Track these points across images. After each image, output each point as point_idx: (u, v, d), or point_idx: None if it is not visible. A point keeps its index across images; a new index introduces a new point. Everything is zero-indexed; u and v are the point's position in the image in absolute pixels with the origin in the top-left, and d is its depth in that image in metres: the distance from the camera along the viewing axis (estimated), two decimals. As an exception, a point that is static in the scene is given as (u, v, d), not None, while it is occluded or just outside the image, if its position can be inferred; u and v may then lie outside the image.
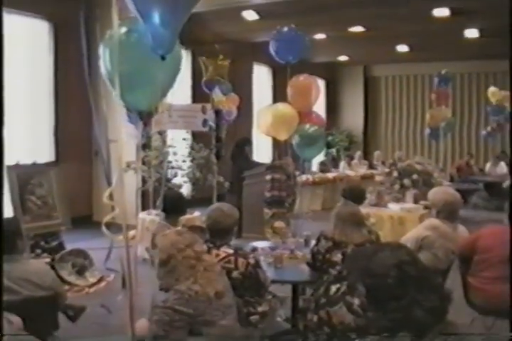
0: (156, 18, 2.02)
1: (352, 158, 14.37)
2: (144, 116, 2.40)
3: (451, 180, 12.39)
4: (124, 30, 2.25)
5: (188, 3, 2.15)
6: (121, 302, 4.19)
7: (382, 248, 2.06)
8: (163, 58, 2.12)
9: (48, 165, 8.26)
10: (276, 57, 5.68)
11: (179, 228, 3.65)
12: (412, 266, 2.00)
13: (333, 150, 16.64)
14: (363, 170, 13.56)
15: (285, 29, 5.75)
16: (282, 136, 5.54)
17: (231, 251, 3.68)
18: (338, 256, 3.85)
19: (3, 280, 3.14)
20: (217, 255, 3.62)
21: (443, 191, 4.82)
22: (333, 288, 3.83)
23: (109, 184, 3.75)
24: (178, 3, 2.10)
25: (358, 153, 14.84)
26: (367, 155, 15.71)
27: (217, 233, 3.77)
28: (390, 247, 2.06)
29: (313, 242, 4.76)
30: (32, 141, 9.06)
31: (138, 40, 2.25)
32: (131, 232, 7.00)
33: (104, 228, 2.39)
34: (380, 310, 1.97)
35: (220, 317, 2.87)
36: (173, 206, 4.99)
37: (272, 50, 5.68)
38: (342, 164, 13.84)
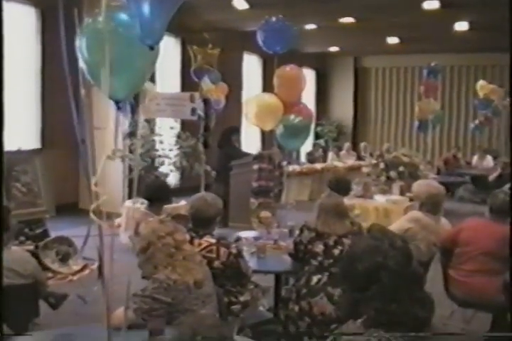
0: (145, 7, 2.00)
1: (340, 149, 14.40)
2: (121, 105, 2.39)
3: (438, 172, 12.45)
4: (101, 17, 2.24)
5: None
6: (97, 286, 4.20)
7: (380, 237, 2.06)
8: (151, 48, 2.12)
9: (33, 152, 8.20)
10: (264, 47, 5.66)
11: (163, 216, 3.64)
12: (405, 258, 2.01)
13: (322, 141, 16.64)
14: (351, 161, 13.58)
15: (273, 19, 5.72)
16: (267, 126, 5.53)
17: (213, 241, 3.69)
18: (319, 247, 3.86)
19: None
20: (199, 244, 3.63)
21: (427, 184, 4.86)
22: (315, 279, 3.88)
23: (87, 173, 3.72)
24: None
25: (347, 144, 14.87)
26: (356, 147, 15.72)
27: (200, 222, 3.78)
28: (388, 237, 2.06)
29: (297, 232, 4.79)
30: (17, 128, 9.00)
31: (115, 27, 2.24)
32: (117, 220, 7.01)
33: (92, 214, 2.38)
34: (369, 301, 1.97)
35: (200, 307, 2.88)
36: (157, 194, 4.99)
37: (259, 40, 5.66)
38: (330, 155, 13.86)
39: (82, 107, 4.39)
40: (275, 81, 5.54)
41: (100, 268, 2.67)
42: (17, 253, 3.73)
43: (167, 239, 2.89)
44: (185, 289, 2.83)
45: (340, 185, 5.23)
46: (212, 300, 3.03)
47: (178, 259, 2.88)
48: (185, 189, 8.26)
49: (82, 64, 2.39)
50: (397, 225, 4.64)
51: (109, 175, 4.94)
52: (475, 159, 13.69)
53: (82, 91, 3.08)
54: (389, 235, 2.12)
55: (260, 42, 5.65)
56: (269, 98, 5.49)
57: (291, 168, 10.74)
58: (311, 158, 13.26)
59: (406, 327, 1.92)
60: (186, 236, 3.24)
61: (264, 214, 7.10)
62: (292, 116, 5.40)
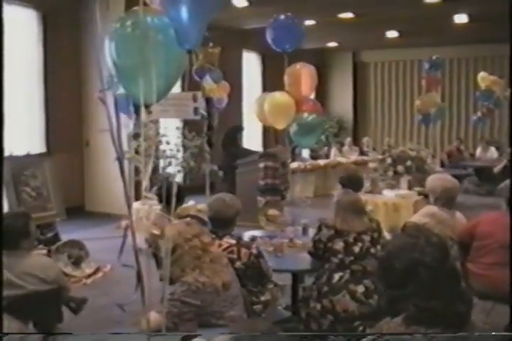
0: (184, 12, 2.00)
1: (342, 145, 14.38)
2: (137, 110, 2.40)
3: (442, 165, 12.44)
4: (130, 21, 2.23)
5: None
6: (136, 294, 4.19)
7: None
8: (189, 52, 2.12)
9: (40, 156, 8.20)
10: (273, 46, 5.63)
11: (188, 219, 3.62)
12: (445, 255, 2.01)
13: (323, 137, 16.61)
14: (354, 156, 13.57)
15: (282, 17, 5.69)
16: (280, 125, 5.52)
17: (233, 242, 3.68)
18: (339, 245, 3.86)
19: (6, 275, 3.12)
20: (219, 245, 3.62)
21: (441, 178, 4.83)
22: (336, 277, 3.88)
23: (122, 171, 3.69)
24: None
25: (349, 140, 14.85)
26: (357, 142, 15.71)
27: (219, 223, 3.77)
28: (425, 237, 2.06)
29: (311, 230, 4.78)
30: (24, 132, 8.98)
31: (143, 32, 2.23)
32: (124, 222, 7.00)
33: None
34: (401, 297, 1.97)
35: (228, 308, 2.87)
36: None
37: (268, 38, 5.63)
38: (333, 151, 13.85)
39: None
40: (286, 79, 5.53)
41: (139, 273, 2.64)
42: (39, 258, 3.72)
43: (194, 241, 2.88)
44: (213, 291, 2.83)
45: (353, 182, 5.20)
46: (239, 302, 3.02)
47: (205, 261, 2.87)
48: (190, 189, 8.24)
49: (111, 68, 2.38)
50: (412, 220, 4.63)
51: (116, 177, 4.95)
52: (478, 151, 13.68)
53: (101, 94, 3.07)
54: (424, 232, 2.12)
55: (269, 41, 5.62)
56: (281, 96, 5.47)
57: (295, 164, 10.73)
58: (314, 154, 13.24)
59: (447, 323, 1.92)
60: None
61: (272, 212, 7.10)
62: (306, 114, 5.39)
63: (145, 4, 2.13)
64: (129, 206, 2.34)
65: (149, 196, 6.91)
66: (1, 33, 2.29)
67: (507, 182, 5.35)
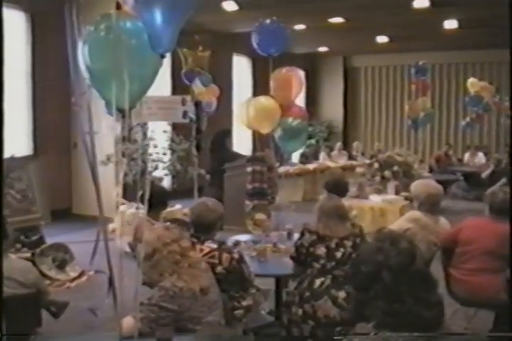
0: (157, 16, 1.99)
1: (332, 149, 14.40)
2: (124, 113, 2.38)
3: (431, 170, 12.48)
4: (103, 25, 2.21)
5: (190, 1, 2.12)
6: (108, 298, 4.16)
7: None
8: (162, 57, 2.11)
9: (26, 158, 8.15)
10: (259, 50, 5.63)
11: (167, 223, 3.61)
12: (414, 259, 2.01)
13: (313, 141, 16.65)
14: (343, 161, 13.59)
15: (267, 21, 5.70)
16: (265, 130, 5.51)
17: (215, 246, 3.67)
18: (321, 250, 3.85)
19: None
20: (201, 250, 3.61)
21: (425, 183, 4.85)
22: (318, 282, 3.87)
23: (94, 177, 3.66)
24: (180, 1, 2.07)
25: (338, 144, 14.87)
26: (346, 146, 15.74)
27: (201, 228, 3.76)
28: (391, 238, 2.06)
29: (295, 235, 4.76)
30: (10, 134, 8.93)
31: (118, 36, 2.22)
32: (111, 225, 6.98)
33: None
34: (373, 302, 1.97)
35: (206, 313, 2.86)
36: (155, 200, 4.94)
37: (254, 42, 5.63)
38: (322, 155, 13.86)
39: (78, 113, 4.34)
40: (272, 83, 5.53)
41: (110, 277, 2.63)
42: (18, 262, 3.70)
43: (173, 246, 2.86)
44: (191, 296, 2.81)
45: (338, 187, 5.20)
46: (218, 307, 3.01)
47: (183, 266, 2.86)
48: (178, 192, 8.23)
49: (84, 72, 2.37)
50: (396, 225, 4.63)
51: (104, 180, 4.93)
52: (467, 156, 13.75)
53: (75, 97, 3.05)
54: (392, 235, 2.12)
55: (255, 45, 5.62)
56: (266, 101, 5.47)
57: (283, 169, 10.73)
58: (303, 159, 13.25)
59: (412, 327, 1.91)
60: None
61: (260, 216, 7.09)
62: (290, 119, 5.39)
63: (120, 8, 2.12)
64: (101, 211, 2.32)
65: (124, 202, 6.88)
66: (0, 34, 2.28)
67: (494, 187, 5.38)
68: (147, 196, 2.82)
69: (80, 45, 2.36)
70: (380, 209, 7.90)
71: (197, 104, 8.56)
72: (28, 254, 6.06)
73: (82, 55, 2.34)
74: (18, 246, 6.30)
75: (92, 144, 2.82)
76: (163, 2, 2.00)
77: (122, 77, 2.10)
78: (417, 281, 1.98)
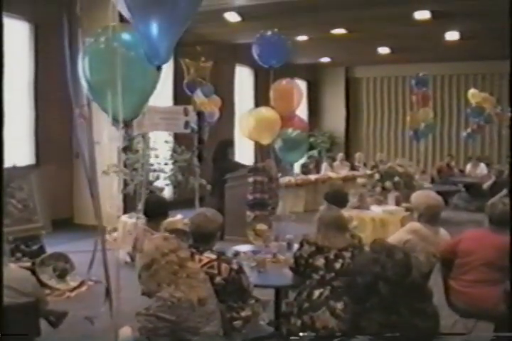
0: (154, 28, 2.00)
1: (334, 160, 14.40)
2: (126, 123, 2.39)
3: (432, 181, 12.47)
4: (103, 38, 2.23)
5: (186, 14, 2.14)
6: (104, 307, 4.16)
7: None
8: (158, 69, 2.12)
9: (28, 168, 8.17)
10: (260, 61, 5.66)
11: (166, 233, 3.62)
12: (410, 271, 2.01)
13: (315, 152, 16.66)
14: (345, 171, 13.58)
15: (268, 33, 5.73)
16: (265, 140, 5.54)
17: (214, 257, 3.67)
18: (320, 261, 3.85)
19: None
20: (200, 260, 3.61)
21: (425, 195, 4.84)
22: (316, 293, 3.86)
23: (91, 189, 3.67)
24: (176, 14, 2.09)
25: (340, 155, 14.87)
26: (348, 157, 15.74)
27: (200, 238, 3.76)
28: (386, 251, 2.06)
29: (295, 246, 4.76)
30: (11, 144, 8.95)
31: (118, 48, 2.24)
32: (113, 235, 6.99)
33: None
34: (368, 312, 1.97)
35: (204, 324, 2.86)
36: (156, 210, 4.96)
37: (255, 54, 5.67)
38: (324, 166, 13.86)
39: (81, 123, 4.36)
40: (272, 94, 5.56)
41: (108, 287, 2.63)
42: (16, 271, 3.71)
43: (171, 256, 2.87)
44: (189, 307, 2.81)
45: (338, 198, 5.20)
46: (215, 318, 3.01)
47: (181, 277, 2.86)
48: (179, 202, 8.23)
49: (83, 83, 2.38)
50: (396, 237, 4.62)
51: (105, 190, 4.95)
52: (468, 167, 13.74)
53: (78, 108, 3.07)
54: (388, 247, 2.13)
55: (256, 57, 5.66)
56: (267, 112, 5.49)
57: (285, 179, 10.74)
58: (305, 169, 13.25)
59: (408, 338, 1.91)
60: (188, 253, 3.22)
61: (260, 226, 7.10)
62: (290, 130, 5.42)
63: (124, 20, 2.14)
64: (100, 221, 2.33)
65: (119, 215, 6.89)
66: (1, 37, 2.29)
67: (495, 198, 5.36)
68: (142, 206, 2.83)
69: (80, 57, 2.37)
70: (381, 220, 7.88)
71: (199, 114, 8.59)
72: (29, 264, 6.06)
73: (82, 67, 2.36)
74: (19, 255, 6.31)
75: (92, 156, 2.83)
76: (159, 15, 2.02)
77: (121, 89, 2.11)
78: (413, 292, 1.99)
